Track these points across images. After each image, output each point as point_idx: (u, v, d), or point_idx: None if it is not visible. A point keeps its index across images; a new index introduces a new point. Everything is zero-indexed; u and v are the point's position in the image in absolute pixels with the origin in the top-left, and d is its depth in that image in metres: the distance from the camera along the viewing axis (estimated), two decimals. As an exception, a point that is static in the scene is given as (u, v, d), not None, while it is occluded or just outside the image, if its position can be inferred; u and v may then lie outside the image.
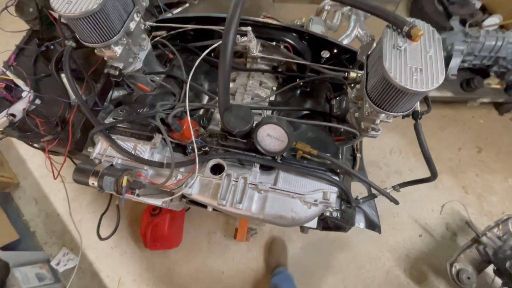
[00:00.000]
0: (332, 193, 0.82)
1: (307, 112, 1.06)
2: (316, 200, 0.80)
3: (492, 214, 2.20)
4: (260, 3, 3.04)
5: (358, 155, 1.09)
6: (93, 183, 0.79)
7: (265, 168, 0.88)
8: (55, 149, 1.27)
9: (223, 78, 0.74)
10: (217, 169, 0.88)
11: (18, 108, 1.20)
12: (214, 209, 0.87)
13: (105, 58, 0.95)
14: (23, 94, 1.21)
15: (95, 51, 0.93)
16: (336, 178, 0.84)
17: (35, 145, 1.28)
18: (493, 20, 2.26)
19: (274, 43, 1.12)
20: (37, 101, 1.27)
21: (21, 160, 2.41)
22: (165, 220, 1.90)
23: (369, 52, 0.83)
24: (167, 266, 2.01)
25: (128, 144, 0.90)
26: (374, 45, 0.82)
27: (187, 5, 2.55)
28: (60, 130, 1.18)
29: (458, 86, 2.18)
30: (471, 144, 2.44)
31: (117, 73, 0.97)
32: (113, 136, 0.90)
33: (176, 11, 2.47)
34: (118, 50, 0.92)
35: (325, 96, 1.14)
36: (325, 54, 1.17)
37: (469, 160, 2.40)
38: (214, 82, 1.18)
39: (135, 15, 0.97)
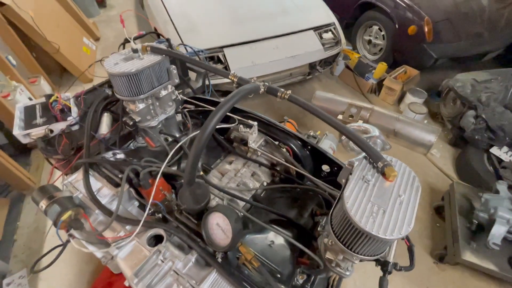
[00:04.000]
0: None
1: (282, 218, 0.97)
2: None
3: None
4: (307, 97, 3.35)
5: (331, 294, 0.89)
6: (42, 206, 0.81)
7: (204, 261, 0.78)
8: (60, 168, 1.39)
9: (195, 152, 0.76)
10: (158, 241, 0.81)
11: (58, 127, 1.42)
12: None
13: (127, 110, 1.12)
14: (69, 118, 1.45)
15: (123, 102, 1.12)
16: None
17: (50, 159, 1.44)
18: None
19: (277, 143, 1.17)
20: (76, 127, 1.48)
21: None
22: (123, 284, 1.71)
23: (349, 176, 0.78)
24: None
25: (97, 183, 0.94)
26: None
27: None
28: (71, 155, 1.32)
29: (505, 261, 1.78)
30: None
31: (131, 123, 1.12)
32: (91, 172, 0.96)
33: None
34: (140, 106, 1.09)
35: (311, 210, 1.06)
36: (326, 168, 1.15)
37: None
38: (211, 159, 1.23)
39: (168, 86, 1.18)
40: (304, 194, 1.10)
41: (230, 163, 1.21)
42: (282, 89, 0.93)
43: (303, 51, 2.82)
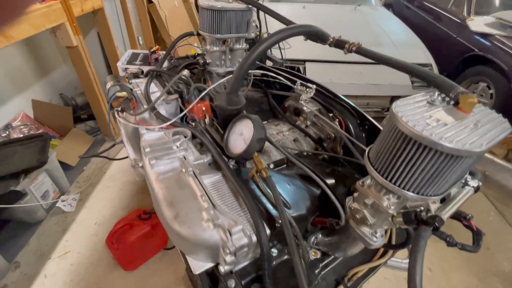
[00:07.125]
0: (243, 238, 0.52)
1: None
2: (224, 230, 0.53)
3: None
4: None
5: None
6: (108, 85, 0.93)
7: (216, 167, 0.72)
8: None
9: (244, 63, 0.75)
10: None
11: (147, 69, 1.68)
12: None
13: (202, 50, 1.24)
14: (158, 66, 1.69)
15: (201, 43, 1.25)
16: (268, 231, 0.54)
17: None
18: None
19: (331, 115, 1.07)
20: (160, 76, 1.71)
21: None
22: (142, 229, 1.75)
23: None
24: (98, 277, 1.73)
25: (155, 88, 1.03)
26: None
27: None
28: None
29: None
30: None
31: (202, 62, 1.23)
32: (155, 80, 1.08)
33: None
34: (214, 48, 1.19)
35: (348, 188, 0.88)
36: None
37: None
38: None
39: (243, 43, 1.26)
40: (346, 171, 0.95)
41: (276, 125, 1.16)
42: (351, 41, 0.87)
43: (388, 82, 2.66)
